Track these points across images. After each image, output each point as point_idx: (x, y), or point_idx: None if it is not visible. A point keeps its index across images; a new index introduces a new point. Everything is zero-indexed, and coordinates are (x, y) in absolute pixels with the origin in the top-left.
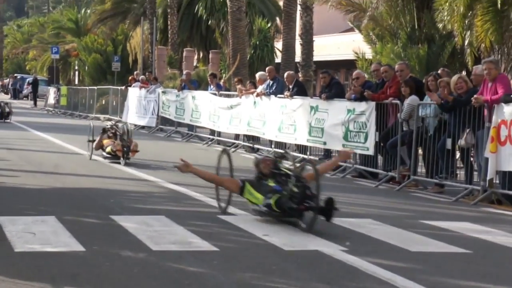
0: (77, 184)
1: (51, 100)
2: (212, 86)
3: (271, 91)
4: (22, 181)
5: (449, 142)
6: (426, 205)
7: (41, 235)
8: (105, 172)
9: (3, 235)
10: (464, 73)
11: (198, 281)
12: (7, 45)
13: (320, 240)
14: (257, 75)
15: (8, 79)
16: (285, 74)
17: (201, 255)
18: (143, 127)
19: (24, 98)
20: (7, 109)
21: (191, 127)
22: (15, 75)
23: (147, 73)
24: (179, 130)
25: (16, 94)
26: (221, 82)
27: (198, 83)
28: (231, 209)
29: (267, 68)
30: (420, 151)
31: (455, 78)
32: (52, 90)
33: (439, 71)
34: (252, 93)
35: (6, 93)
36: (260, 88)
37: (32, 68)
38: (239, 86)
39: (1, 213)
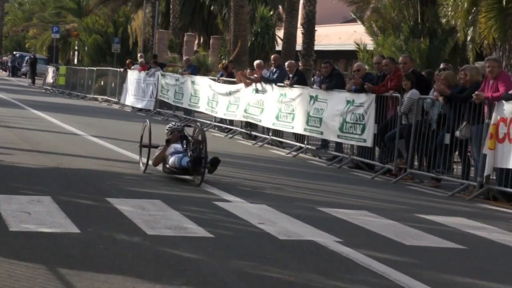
0: (74, 165)
1: (50, 79)
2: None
3: (273, 78)
4: (18, 159)
5: (447, 137)
6: (422, 199)
7: (36, 215)
8: (103, 154)
9: None
10: None
11: (192, 267)
12: (7, 23)
13: (315, 231)
14: (255, 63)
15: (7, 57)
16: (286, 63)
17: (196, 241)
18: (140, 110)
19: (22, 76)
20: None
21: (188, 112)
22: (14, 52)
23: (152, 60)
24: (176, 114)
25: (15, 71)
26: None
27: (197, 68)
28: (227, 196)
29: (272, 56)
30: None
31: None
32: (51, 69)
33: (442, 66)
34: (253, 81)
35: (5, 70)
36: (260, 74)
37: (31, 46)
38: (244, 72)
39: None
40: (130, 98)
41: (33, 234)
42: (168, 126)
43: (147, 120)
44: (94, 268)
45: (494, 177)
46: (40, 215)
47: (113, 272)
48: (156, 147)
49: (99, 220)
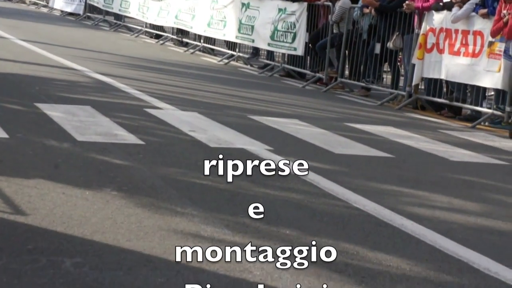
0: (2, 69)
1: None
2: None
3: None
4: None
5: (378, 46)
6: (351, 107)
7: None
8: (31, 59)
9: None
10: None
11: (123, 173)
12: None
13: (246, 139)
14: None
15: None
16: None
17: (127, 148)
18: (70, 14)
19: None
20: None
21: (119, 17)
22: None
23: None
24: (106, 19)
25: None
26: None
27: None
28: (158, 103)
29: None
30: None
31: None
32: None
33: None
34: None
35: None
36: None
37: None
38: None
39: None
40: (59, 1)
41: None
42: None
43: None
44: (23, 173)
45: (423, 87)
46: None
47: (43, 178)
48: None
49: (28, 126)
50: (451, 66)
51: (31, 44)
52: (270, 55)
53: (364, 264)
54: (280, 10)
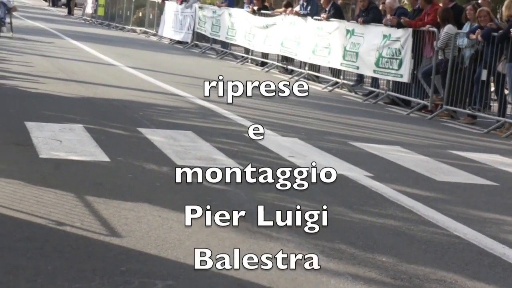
0: (108, 94)
1: (89, 9)
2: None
3: (305, 12)
4: (53, 88)
5: (484, 73)
6: (456, 135)
7: (67, 143)
8: (137, 85)
9: (30, 140)
10: None
11: (219, 197)
12: None
13: (346, 164)
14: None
15: None
16: None
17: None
18: (178, 42)
19: (63, 6)
20: None
21: (225, 45)
22: None
23: None
24: (213, 47)
25: (55, 1)
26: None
27: (234, 1)
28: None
29: None
30: None
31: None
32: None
33: (479, 0)
34: (285, 11)
35: (45, 0)
36: (297, 7)
37: None
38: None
39: (30, 118)
40: (168, 30)
41: (63, 162)
42: None
43: None
44: (121, 196)
45: None
46: (71, 143)
47: (140, 201)
48: None
49: (130, 150)
50: None
51: (138, 71)
52: (375, 82)
53: None
54: (384, 36)
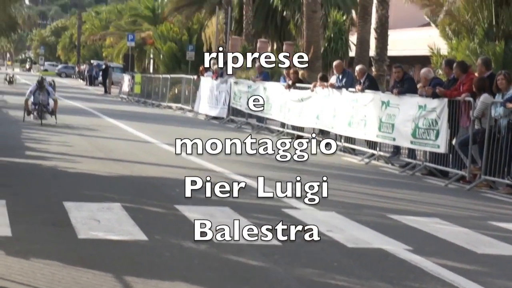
0: (145, 172)
1: (126, 87)
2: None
3: (340, 84)
4: (91, 167)
5: None
6: (496, 206)
7: (106, 222)
8: (174, 162)
9: (68, 221)
10: None
11: (258, 275)
12: (85, 32)
13: (384, 238)
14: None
15: (84, 66)
16: (356, 68)
17: (263, 249)
18: (214, 118)
19: (99, 85)
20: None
21: (261, 119)
22: (91, 61)
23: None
24: (249, 121)
25: (92, 80)
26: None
27: (269, 75)
28: (296, 203)
29: (334, 64)
30: None
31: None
32: (126, 78)
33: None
34: (323, 86)
35: (82, 79)
36: (332, 79)
37: (108, 55)
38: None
39: (68, 198)
40: (203, 106)
41: (101, 242)
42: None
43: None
44: (159, 275)
45: None
46: (109, 223)
47: (177, 279)
48: None
49: (167, 228)
50: None
51: (174, 148)
52: (412, 153)
53: None
54: (420, 107)
